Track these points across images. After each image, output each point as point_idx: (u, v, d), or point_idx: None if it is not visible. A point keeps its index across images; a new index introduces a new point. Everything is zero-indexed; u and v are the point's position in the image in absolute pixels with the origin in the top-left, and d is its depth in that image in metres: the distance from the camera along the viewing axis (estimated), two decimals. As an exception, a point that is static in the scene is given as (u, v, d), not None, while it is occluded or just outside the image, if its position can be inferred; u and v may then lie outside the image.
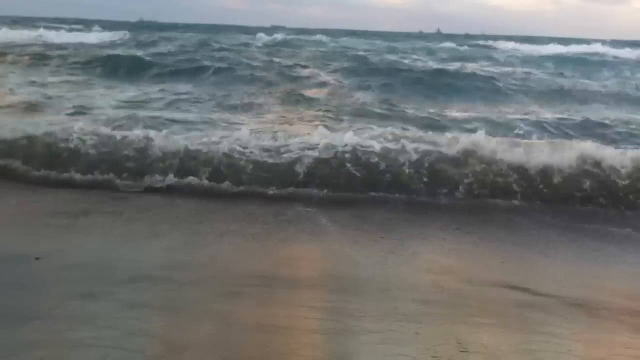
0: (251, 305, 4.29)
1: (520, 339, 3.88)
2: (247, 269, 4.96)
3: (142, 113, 11.77)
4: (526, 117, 13.36)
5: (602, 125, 12.53)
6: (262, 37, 39.42)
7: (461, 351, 3.67)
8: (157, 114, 11.77)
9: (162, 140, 8.29)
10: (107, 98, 14.04)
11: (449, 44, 41.32)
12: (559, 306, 4.44)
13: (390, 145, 8.08)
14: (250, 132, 8.95)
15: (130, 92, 15.26)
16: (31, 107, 12.20)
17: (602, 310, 4.40)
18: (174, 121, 11.01)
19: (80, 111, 11.75)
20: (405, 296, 4.50)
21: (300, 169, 7.71)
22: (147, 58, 21.36)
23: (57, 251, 5.24)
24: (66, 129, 8.65)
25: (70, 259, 5.06)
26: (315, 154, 7.94)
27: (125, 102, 13.60)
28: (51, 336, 3.71)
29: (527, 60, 30.44)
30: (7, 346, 3.56)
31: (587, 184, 7.45)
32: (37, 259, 4.96)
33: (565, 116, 13.66)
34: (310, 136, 8.87)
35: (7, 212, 6.51)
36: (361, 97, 15.81)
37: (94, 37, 34.49)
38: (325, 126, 9.79)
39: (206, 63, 20.48)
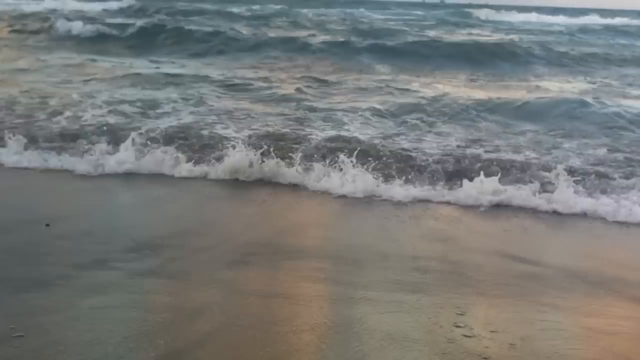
0: (257, 273, 4.50)
1: (521, 309, 4.08)
2: (252, 239, 5.14)
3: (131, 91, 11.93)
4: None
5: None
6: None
7: (461, 317, 3.89)
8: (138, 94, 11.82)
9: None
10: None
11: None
12: (559, 277, 4.63)
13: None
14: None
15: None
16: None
17: (602, 282, 4.59)
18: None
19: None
20: (407, 266, 4.70)
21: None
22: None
23: (66, 218, 5.44)
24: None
25: (80, 226, 5.25)
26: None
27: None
28: (64, 301, 3.92)
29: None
30: (22, 310, 3.78)
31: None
32: (47, 225, 5.16)
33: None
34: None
35: (20, 178, 6.69)
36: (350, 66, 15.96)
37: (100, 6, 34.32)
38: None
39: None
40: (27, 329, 3.52)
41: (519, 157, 7.83)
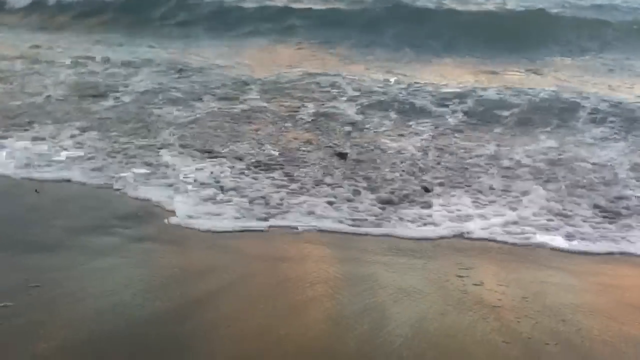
0: (258, 242, 4.68)
1: (529, 270, 4.34)
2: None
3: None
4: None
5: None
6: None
7: (470, 274, 4.15)
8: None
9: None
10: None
11: None
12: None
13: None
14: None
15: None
16: None
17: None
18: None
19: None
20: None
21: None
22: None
23: (55, 185, 5.59)
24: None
25: (69, 193, 5.40)
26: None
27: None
28: (74, 260, 4.14)
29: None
30: (35, 266, 3.98)
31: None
32: (36, 191, 5.33)
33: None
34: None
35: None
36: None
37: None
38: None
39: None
40: (42, 282, 3.75)
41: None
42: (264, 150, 6.59)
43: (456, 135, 7.43)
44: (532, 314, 3.64)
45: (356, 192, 5.52)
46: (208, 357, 3.09)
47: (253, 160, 6.23)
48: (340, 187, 5.64)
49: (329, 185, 5.69)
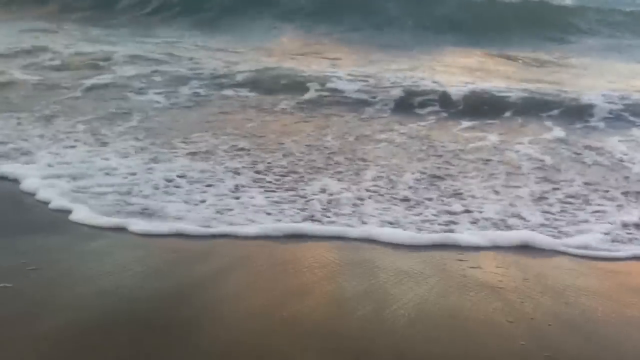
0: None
1: (528, 256, 4.35)
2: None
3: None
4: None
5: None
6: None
7: (470, 258, 4.20)
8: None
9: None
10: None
11: None
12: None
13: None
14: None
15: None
16: None
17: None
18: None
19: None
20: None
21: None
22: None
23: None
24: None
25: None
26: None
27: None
28: (69, 243, 4.17)
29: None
30: (30, 249, 3.99)
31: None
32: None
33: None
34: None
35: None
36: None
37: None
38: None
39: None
40: (40, 264, 3.76)
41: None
42: (236, 142, 6.46)
43: (455, 127, 7.50)
44: (534, 294, 3.68)
45: (331, 188, 5.32)
46: (212, 337, 3.10)
47: (220, 156, 6.04)
48: (314, 184, 5.38)
49: (305, 181, 5.46)
